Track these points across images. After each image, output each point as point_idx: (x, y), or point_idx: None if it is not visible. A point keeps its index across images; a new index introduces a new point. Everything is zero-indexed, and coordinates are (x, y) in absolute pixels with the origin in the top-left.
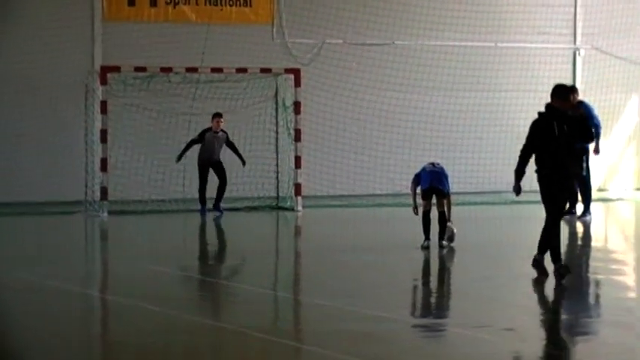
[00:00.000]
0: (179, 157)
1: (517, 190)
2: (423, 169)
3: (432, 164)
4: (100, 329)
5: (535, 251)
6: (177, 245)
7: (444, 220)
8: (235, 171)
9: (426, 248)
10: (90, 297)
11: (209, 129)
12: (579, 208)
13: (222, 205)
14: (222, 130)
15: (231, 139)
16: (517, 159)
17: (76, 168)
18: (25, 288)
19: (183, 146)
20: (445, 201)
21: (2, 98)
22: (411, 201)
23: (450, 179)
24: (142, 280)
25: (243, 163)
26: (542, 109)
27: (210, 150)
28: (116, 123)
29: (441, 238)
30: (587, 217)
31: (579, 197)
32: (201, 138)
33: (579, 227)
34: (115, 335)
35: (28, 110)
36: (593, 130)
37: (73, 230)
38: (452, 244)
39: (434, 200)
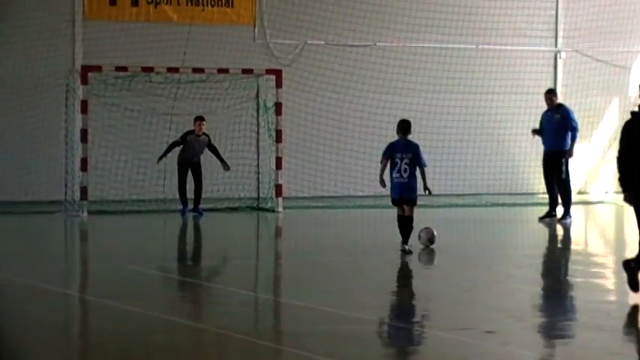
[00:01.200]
0: (160, 159)
1: (630, 200)
2: (392, 148)
3: (401, 154)
4: (78, 329)
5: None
6: (157, 246)
7: (409, 225)
8: (216, 172)
9: (405, 252)
10: (69, 297)
11: (191, 131)
12: (559, 211)
13: (202, 205)
14: (204, 134)
15: (213, 142)
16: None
17: (56, 168)
18: (2, 287)
19: (164, 147)
20: (413, 207)
21: None
22: (378, 173)
23: (420, 150)
24: (122, 280)
25: (226, 167)
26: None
27: (190, 151)
28: (97, 123)
29: (404, 242)
30: (568, 220)
31: (559, 200)
32: (183, 140)
33: (559, 230)
34: (94, 335)
35: (7, 109)
36: (570, 133)
37: (52, 230)
38: (432, 246)
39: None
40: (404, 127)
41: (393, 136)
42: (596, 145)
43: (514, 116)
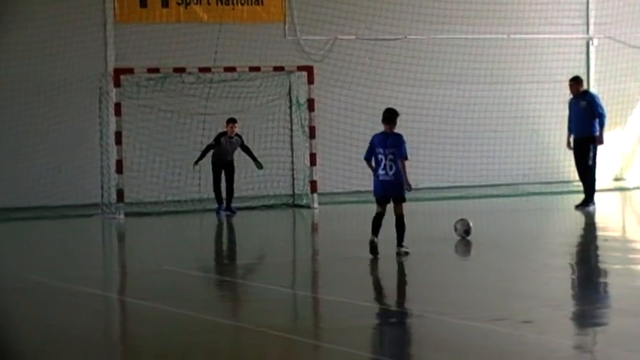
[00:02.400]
0: (196, 163)
1: None
2: (372, 145)
3: (383, 149)
4: (119, 331)
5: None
6: (195, 245)
7: (401, 225)
8: (251, 170)
9: (372, 243)
10: (108, 299)
11: (224, 133)
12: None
13: (238, 204)
14: (236, 135)
15: (245, 143)
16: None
17: (91, 171)
18: (42, 290)
19: (199, 147)
20: (402, 205)
21: (16, 102)
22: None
23: (404, 140)
24: (160, 281)
25: (260, 166)
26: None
27: (223, 152)
28: (131, 125)
29: (399, 244)
30: (591, 207)
31: (595, 187)
32: (216, 142)
33: (596, 217)
34: (135, 337)
35: (42, 114)
36: (597, 119)
37: (90, 233)
38: (468, 238)
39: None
40: (388, 116)
41: (427, 129)
42: (631, 131)
43: (547, 105)
